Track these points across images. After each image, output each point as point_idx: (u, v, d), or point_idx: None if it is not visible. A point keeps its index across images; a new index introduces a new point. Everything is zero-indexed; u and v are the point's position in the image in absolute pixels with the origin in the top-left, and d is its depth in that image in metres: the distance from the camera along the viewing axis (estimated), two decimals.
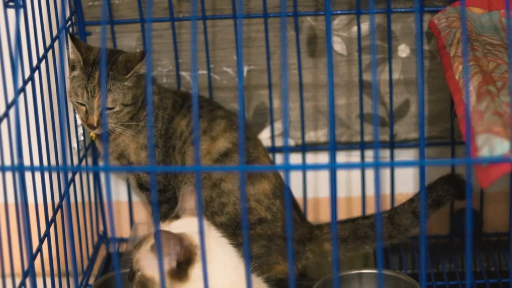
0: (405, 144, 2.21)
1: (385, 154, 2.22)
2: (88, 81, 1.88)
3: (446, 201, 2.00)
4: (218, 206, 1.94)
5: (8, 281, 1.64)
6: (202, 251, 1.43)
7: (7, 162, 1.52)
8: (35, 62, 1.79)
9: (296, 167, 1.40)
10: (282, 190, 1.98)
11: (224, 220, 1.93)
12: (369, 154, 2.22)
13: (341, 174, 2.22)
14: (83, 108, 1.90)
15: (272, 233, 1.94)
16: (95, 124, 1.89)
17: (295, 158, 2.23)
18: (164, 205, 2.01)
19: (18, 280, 1.69)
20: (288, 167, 1.37)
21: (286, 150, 1.36)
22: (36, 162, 1.74)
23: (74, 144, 2.17)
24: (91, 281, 2.12)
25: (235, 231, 1.92)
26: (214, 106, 2.04)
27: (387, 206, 2.20)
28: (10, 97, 1.74)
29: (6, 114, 1.58)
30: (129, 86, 1.90)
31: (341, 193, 2.24)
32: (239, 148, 1.95)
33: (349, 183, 2.25)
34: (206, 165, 1.94)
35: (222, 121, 1.99)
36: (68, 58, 1.93)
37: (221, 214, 1.94)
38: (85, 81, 1.88)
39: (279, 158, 2.22)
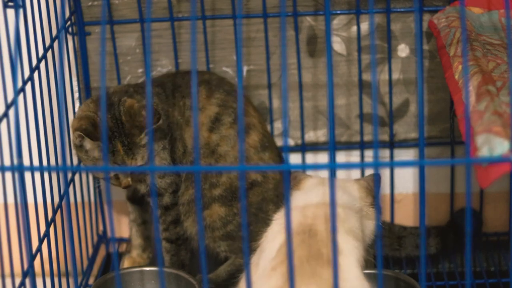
0: (405, 144, 2.21)
1: (384, 154, 2.22)
2: (113, 157, 1.85)
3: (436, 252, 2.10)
4: (216, 175, 1.94)
5: (8, 281, 1.64)
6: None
7: (7, 162, 1.52)
8: (34, 62, 1.79)
9: (295, 167, 1.40)
10: (269, 138, 1.98)
11: (221, 191, 1.94)
12: (369, 154, 2.22)
13: (340, 174, 2.22)
14: (112, 173, 1.88)
15: (263, 197, 1.96)
16: (131, 183, 1.89)
17: (295, 158, 2.22)
18: (176, 207, 2.00)
19: (17, 280, 1.69)
20: (288, 167, 1.37)
21: (285, 150, 1.36)
22: (36, 162, 1.74)
23: None
24: (91, 281, 2.11)
25: (231, 202, 1.93)
26: (190, 76, 2.00)
27: (386, 206, 2.20)
28: (10, 97, 1.74)
29: (5, 114, 1.58)
30: (147, 140, 1.87)
31: None
32: (236, 119, 1.94)
33: None
34: (203, 136, 1.94)
35: (202, 89, 1.97)
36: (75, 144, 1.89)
37: (217, 186, 1.94)
38: (111, 158, 1.86)
39: None
